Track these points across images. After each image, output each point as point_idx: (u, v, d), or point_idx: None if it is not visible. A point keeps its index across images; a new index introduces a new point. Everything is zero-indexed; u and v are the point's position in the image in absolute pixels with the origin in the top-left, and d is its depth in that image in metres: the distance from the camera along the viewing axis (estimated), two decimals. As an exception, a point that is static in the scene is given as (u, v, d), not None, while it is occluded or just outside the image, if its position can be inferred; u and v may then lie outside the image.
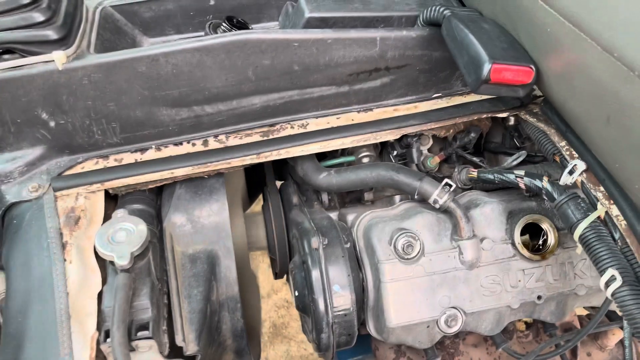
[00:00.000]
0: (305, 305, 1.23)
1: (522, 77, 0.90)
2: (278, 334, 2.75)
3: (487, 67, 0.88)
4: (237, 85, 1.14)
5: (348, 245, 1.23)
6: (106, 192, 1.17)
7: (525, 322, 1.58)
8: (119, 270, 1.01)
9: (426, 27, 1.18)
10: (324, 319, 1.16)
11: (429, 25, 1.17)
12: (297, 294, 1.25)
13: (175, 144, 1.20)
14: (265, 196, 1.59)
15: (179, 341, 1.09)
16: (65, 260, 1.03)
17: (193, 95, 1.13)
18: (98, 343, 0.97)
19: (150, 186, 1.19)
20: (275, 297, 2.89)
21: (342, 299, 1.16)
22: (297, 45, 1.11)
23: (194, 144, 1.20)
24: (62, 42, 1.05)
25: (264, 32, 1.09)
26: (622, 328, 1.46)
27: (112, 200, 1.23)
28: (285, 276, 1.72)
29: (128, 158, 1.18)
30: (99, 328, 0.99)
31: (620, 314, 1.01)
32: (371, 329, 1.27)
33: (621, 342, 1.58)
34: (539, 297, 1.21)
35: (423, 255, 1.17)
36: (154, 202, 1.24)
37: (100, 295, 1.03)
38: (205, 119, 1.18)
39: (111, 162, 1.17)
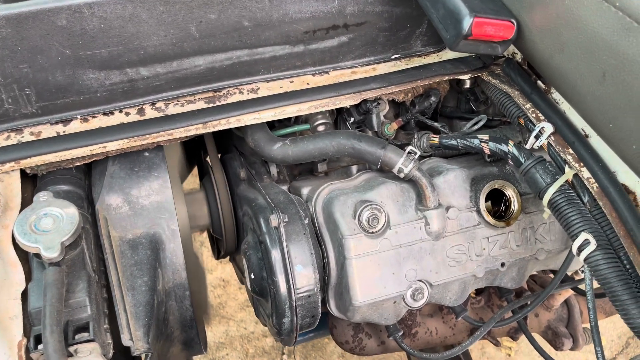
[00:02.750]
0: (262, 288, 1.13)
1: (503, 32, 0.84)
2: (216, 315, 2.63)
3: (468, 21, 0.81)
4: (177, 43, 0.99)
5: (307, 221, 1.13)
6: (22, 172, 0.99)
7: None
8: (47, 264, 0.85)
9: (387, -20, 1.08)
10: (286, 302, 1.06)
11: (390, -21, 1.08)
12: (252, 276, 1.14)
13: (106, 114, 1.03)
14: (206, 170, 1.45)
15: (125, 341, 0.95)
16: (-23, 256, 0.85)
17: (126, 55, 0.97)
18: (27, 351, 0.82)
19: (77, 163, 1.02)
20: (211, 277, 2.75)
21: (306, 279, 1.07)
22: (247, -3, 0.97)
23: (127, 113, 1.04)
24: (-44, -13, 0.85)
25: (209, -20, 0.94)
26: (574, 289, 1.50)
27: (31, 181, 1.05)
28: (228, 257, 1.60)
29: (48, 131, 1.00)
30: (26, 333, 0.83)
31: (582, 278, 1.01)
32: (332, 308, 1.19)
33: (566, 301, 1.62)
34: (502, 265, 1.18)
35: (389, 227, 1.10)
36: (82, 181, 1.07)
37: (24, 294, 0.87)
38: (141, 84, 1.02)
39: (27, 136, 0.99)
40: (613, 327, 2.72)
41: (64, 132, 1.00)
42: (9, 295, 0.85)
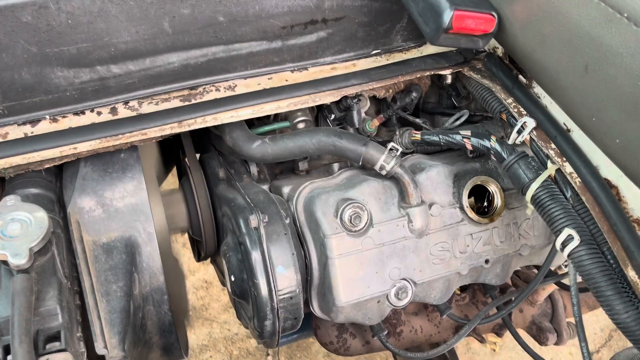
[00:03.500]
0: (243, 290, 1.10)
1: (484, 25, 0.82)
2: (199, 317, 2.59)
3: (448, 14, 0.79)
4: (150, 39, 0.95)
5: (288, 220, 1.10)
6: (-11, 175, 0.94)
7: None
8: (14, 271, 0.82)
9: (366, -27, 1.06)
10: (268, 305, 1.03)
11: (369, -28, 1.06)
12: (233, 279, 1.11)
13: (76, 113, 0.99)
14: (185, 170, 1.41)
15: (99, 349, 0.91)
16: (-61, 264, 0.81)
17: (95, 52, 0.93)
18: (-6, 363, 0.78)
19: (47, 165, 0.98)
20: (193, 279, 2.71)
21: (287, 281, 1.04)
22: (222, -8, 0.94)
23: (99, 113, 1.00)
24: None
25: (182, -26, 0.91)
26: (557, 284, 1.50)
27: (-3, 184, 1.01)
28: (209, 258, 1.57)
29: (15, 132, 0.95)
30: (-7, 345, 0.79)
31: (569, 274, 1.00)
32: (315, 308, 1.17)
33: (549, 296, 1.62)
34: (486, 261, 1.17)
35: (371, 226, 1.08)
36: (52, 184, 1.03)
37: (-9, 303, 0.83)
38: (112, 82, 0.99)
39: (-8, 137, 0.94)
40: (596, 320, 2.74)
41: (32, 133, 0.96)
42: (-26, 304, 0.81)
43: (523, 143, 1.05)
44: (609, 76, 0.66)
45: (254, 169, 1.31)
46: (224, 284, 1.60)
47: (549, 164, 1.00)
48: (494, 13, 0.83)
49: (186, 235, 1.96)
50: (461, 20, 0.80)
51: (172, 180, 1.76)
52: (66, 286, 0.89)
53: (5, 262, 0.82)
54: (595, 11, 0.65)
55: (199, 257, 1.56)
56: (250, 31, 1.01)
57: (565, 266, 1.47)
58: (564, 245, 0.92)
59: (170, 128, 1.00)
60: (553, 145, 0.99)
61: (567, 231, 0.92)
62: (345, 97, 1.14)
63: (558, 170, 0.98)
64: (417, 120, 1.25)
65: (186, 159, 1.39)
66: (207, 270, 2.73)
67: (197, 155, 1.42)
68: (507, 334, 1.58)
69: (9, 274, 0.85)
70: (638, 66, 0.62)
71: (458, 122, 1.24)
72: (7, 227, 0.84)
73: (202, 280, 2.70)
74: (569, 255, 0.93)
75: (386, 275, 1.09)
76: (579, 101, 0.75)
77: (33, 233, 0.84)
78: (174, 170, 1.67)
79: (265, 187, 1.28)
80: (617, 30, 0.63)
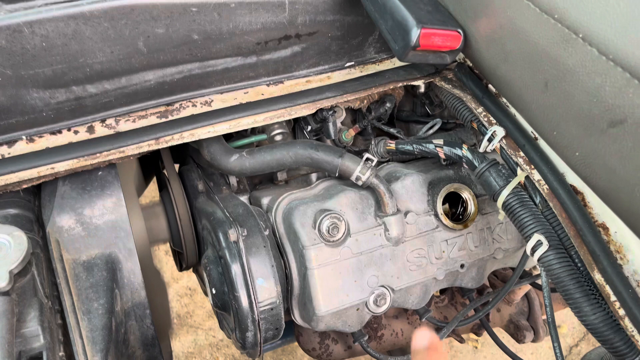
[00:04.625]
0: (224, 302, 1.12)
1: (451, 42, 0.85)
2: (183, 324, 2.59)
3: (415, 33, 0.81)
4: (125, 59, 0.96)
5: (267, 232, 1.12)
6: (-34, 197, 0.95)
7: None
8: (-5, 295, 0.82)
9: (337, -11, 1.08)
10: (249, 317, 1.05)
11: (340, -13, 1.08)
12: (214, 291, 1.13)
13: (53, 133, 1.00)
14: (164, 183, 1.42)
15: (82, 367, 0.92)
16: None
17: (71, 73, 0.94)
18: (-23, 387, 0.78)
19: (25, 186, 0.98)
20: (177, 286, 2.71)
21: (267, 292, 1.06)
22: (195, 11, 0.96)
23: (76, 132, 1.01)
24: None
25: (154, -5, 0.92)
26: (532, 284, 1.54)
27: (-26, 205, 1.01)
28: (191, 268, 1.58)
29: (-9, 153, 0.96)
30: (-25, 369, 0.79)
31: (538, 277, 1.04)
32: (297, 317, 1.19)
33: (526, 295, 1.67)
34: (462, 266, 1.21)
35: (349, 235, 1.10)
36: (31, 203, 1.04)
37: (-28, 326, 0.83)
38: (89, 101, 0.99)
39: (-31, 159, 0.94)
40: (573, 315, 2.81)
41: (9, 154, 0.96)
42: (-45, 328, 0.81)
43: (493, 151, 1.08)
44: (567, 93, 0.69)
45: (233, 180, 1.33)
46: (206, 293, 1.61)
47: (519, 171, 1.03)
48: (459, 30, 0.86)
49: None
50: (428, 37, 0.82)
51: (152, 188, 1.77)
52: (47, 306, 0.90)
53: (-15, 285, 0.83)
54: (553, 31, 0.68)
55: (180, 267, 1.57)
56: (224, 48, 1.03)
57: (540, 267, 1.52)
58: (533, 250, 0.96)
59: (147, 145, 1.01)
60: (522, 154, 1.02)
61: (536, 237, 0.95)
62: (320, 109, 1.16)
63: (527, 178, 1.02)
64: (392, 130, 1.27)
65: (165, 171, 1.40)
66: (190, 277, 2.73)
67: (176, 167, 1.44)
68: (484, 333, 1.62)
69: (-11, 297, 0.85)
70: (593, 84, 0.65)
71: (431, 131, 1.27)
72: (-15, 250, 0.84)
73: (185, 288, 2.71)
74: (538, 260, 0.96)
75: (364, 283, 1.12)
76: (541, 116, 0.78)
77: (12, 255, 0.84)
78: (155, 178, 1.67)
79: (245, 197, 1.30)
80: (573, 49, 0.66)
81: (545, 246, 0.94)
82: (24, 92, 0.93)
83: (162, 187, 1.52)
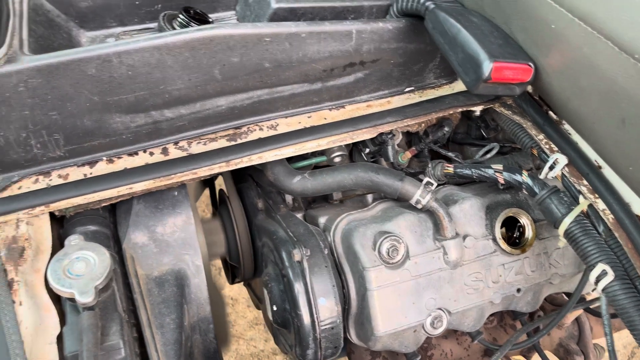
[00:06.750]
0: (285, 320, 1.15)
1: (522, 75, 0.87)
2: (225, 334, 2.64)
3: (488, 67, 0.84)
4: (201, 86, 1.01)
5: (326, 251, 1.15)
6: (51, 214, 1.01)
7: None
8: (81, 308, 0.87)
9: (401, 18, 1.11)
10: (310, 335, 1.08)
11: (404, 16, 1.11)
12: (275, 308, 1.16)
13: (130, 154, 1.06)
14: (222, 199, 1.47)
15: (158, 380, 0.97)
16: (14, 302, 0.87)
17: (151, 99, 0.99)
18: (65, 396, 0.84)
19: (104, 204, 1.04)
20: (219, 295, 2.76)
21: (329, 312, 1.09)
22: (268, 40, 1.00)
23: (151, 153, 1.06)
24: (-10, 41, 0.87)
25: (232, 26, 0.97)
26: (586, 310, 1.52)
27: (56, 221, 1.07)
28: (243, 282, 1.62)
29: (75, 173, 1.02)
30: (63, 378, 0.85)
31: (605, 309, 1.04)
32: (353, 336, 1.21)
33: (576, 319, 1.65)
34: (518, 290, 1.21)
35: (408, 258, 1.12)
36: (107, 220, 1.09)
37: (59, 338, 0.88)
38: (164, 125, 1.05)
39: (55, 179, 1.01)
40: (618, 337, 2.75)
41: (90, 174, 1.02)
42: (44, 340, 0.87)
43: (554, 178, 1.09)
44: (646, 130, 0.70)
45: (289, 198, 1.37)
46: (258, 307, 1.65)
47: (581, 199, 1.03)
48: (530, 64, 0.88)
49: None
50: (500, 71, 0.84)
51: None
52: (125, 320, 0.95)
53: (71, 300, 0.88)
54: (633, 70, 0.69)
55: (232, 281, 1.62)
56: (293, 75, 1.07)
57: (593, 291, 1.50)
58: (598, 279, 0.96)
59: (218, 167, 1.06)
60: (585, 182, 1.03)
61: (600, 266, 0.95)
62: (380, 133, 1.19)
63: (590, 206, 1.02)
64: (450, 153, 1.29)
65: (224, 188, 1.45)
66: (232, 287, 2.78)
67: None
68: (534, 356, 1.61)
69: (74, 311, 0.91)
70: (674, 123, 0.66)
71: (489, 155, 1.28)
72: (72, 265, 0.90)
73: (227, 298, 2.76)
74: (603, 290, 0.96)
75: (422, 305, 1.13)
76: (616, 151, 0.79)
77: (97, 271, 0.89)
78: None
79: (300, 215, 1.33)
80: (653, 88, 0.67)
81: (610, 276, 0.94)
82: (107, 117, 0.99)
83: (215, 200, 1.57)
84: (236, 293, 2.76)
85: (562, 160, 1.05)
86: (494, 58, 0.84)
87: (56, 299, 0.94)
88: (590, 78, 0.77)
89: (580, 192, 1.03)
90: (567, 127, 1.08)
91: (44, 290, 0.91)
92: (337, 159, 1.26)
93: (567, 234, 1.02)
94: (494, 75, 0.84)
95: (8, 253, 0.91)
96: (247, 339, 2.63)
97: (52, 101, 0.92)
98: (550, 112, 1.11)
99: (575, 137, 1.06)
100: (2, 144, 0.94)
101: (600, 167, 1.01)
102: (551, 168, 1.08)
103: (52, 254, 0.93)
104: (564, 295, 1.60)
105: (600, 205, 0.99)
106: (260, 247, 1.29)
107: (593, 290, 1.51)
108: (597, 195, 1.01)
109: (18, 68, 0.87)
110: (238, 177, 1.53)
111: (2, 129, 0.92)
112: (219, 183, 1.70)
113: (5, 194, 0.97)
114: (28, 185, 0.99)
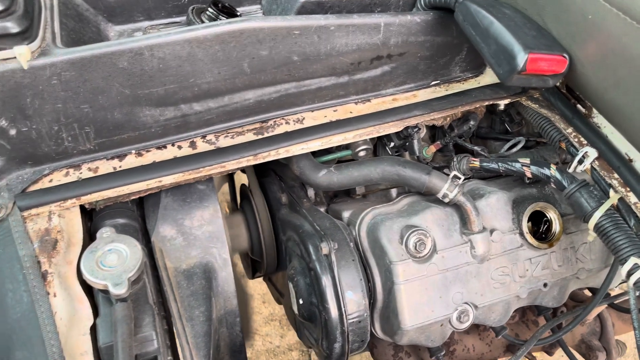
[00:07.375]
0: (311, 313, 1.15)
1: (556, 66, 0.86)
2: (241, 329, 2.65)
3: (523, 58, 0.83)
4: (230, 79, 1.01)
5: (352, 245, 1.15)
6: (81, 206, 1.01)
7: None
8: (114, 300, 0.88)
9: (429, 10, 1.11)
10: (338, 328, 1.08)
11: (432, 9, 1.10)
12: (301, 302, 1.16)
13: (159, 147, 1.06)
14: (244, 193, 1.48)
15: (189, 372, 0.97)
16: (48, 293, 0.87)
17: (181, 92, 0.99)
18: (100, 387, 0.84)
19: (134, 197, 1.04)
20: (234, 291, 2.77)
21: (356, 305, 1.09)
22: (297, 34, 1.00)
23: (180, 147, 1.07)
24: (24, 35, 0.87)
25: (262, 19, 0.97)
26: (610, 305, 1.51)
27: (85, 214, 1.07)
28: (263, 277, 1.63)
29: (105, 166, 1.02)
30: (97, 369, 0.85)
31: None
32: (378, 330, 1.21)
33: (598, 315, 1.64)
34: (545, 285, 1.20)
35: (435, 252, 1.12)
36: (135, 213, 1.10)
37: (92, 329, 0.89)
38: (193, 118, 1.05)
39: (85, 171, 1.01)
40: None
41: (120, 167, 1.03)
42: (78, 331, 0.87)
43: (583, 171, 1.08)
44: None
45: (311, 192, 1.37)
46: (279, 302, 1.65)
47: (612, 192, 1.02)
48: (565, 55, 0.87)
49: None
50: (535, 62, 0.84)
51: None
52: (156, 312, 0.95)
53: (104, 291, 0.88)
54: (674, 60, 0.68)
55: (253, 275, 1.62)
56: (320, 68, 1.07)
57: (618, 287, 1.49)
58: (630, 273, 0.95)
59: (246, 161, 1.06)
60: (616, 175, 1.02)
61: (632, 260, 0.94)
62: (406, 127, 1.19)
63: (621, 200, 1.01)
64: (476, 147, 1.28)
65: (247, 183, 1.45)
66: (247, 283, 2.79)
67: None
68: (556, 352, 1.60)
69: (107, 302, 0.91)
70: None
71: (515, 149, 1.27)
72: (105, 257, 0.90)
73: (243, 293, 2.77)
74: (635, 284, 0.96)
75: (449, 299, 1.13)
76: (654, 142, 0.78)
77: (130, 263, 0.90)
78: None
79: (323, 209, 1.33)
80: (696, 79, 0.66)
81: (642, 270, 0.93)
82: (137, 110, 0.99)
83: (235, 194, 1.58)
84: (251, 289, 2.77)
85: (592, 153, 1.05)
86: (529, 49, 0.83)
87: (88, 290, 0.95)
88: (628, 68, 0.76)
89: (610, 185, 1.02)
90: (596, 120, 1.07)
91: (76, 282, 0.92)
92: (362, 153, 1.25)
93: (598, 228, 1.01)
94: (528, 66, 0.84)
95: (41, 245, 0.92)
96: (263, 334, 2.64)
97: (84, 94, 0.93)
98: (579, 105, 1.10)
99: (606, 130, 1.05)
100: (34, 137, 0.95)
101: (631, 161, 1.00)
102: (580, 162, 1.07)
103: (83, 247, 0.94)
104: (585, 291, 1.59)
105: (632, 198, 0.99)
106: (285, 241, 1.29)
107: (618, 286, 1.51)
108: (628, 189, 1.00)
109: (52, 61, 0.88)
110: (260, 171, 1.54)
111: (35, 122, 0.93)
112: (238, 179, 1.70)
113: (37, 186, 0.98)
114: (59, 178, 1.00)
